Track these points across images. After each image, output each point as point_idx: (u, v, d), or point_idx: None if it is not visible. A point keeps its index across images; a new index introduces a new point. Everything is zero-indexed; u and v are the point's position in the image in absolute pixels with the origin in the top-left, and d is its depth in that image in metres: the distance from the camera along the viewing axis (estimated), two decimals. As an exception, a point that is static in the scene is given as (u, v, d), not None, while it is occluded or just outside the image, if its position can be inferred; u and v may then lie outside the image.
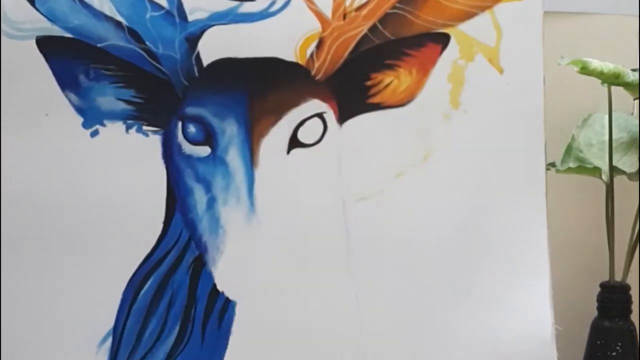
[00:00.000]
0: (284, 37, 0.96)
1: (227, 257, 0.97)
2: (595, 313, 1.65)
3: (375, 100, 0.99)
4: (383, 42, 0.99)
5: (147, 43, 0.94)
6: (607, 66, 1.57)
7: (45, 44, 0.92)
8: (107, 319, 0.95)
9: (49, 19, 0.92)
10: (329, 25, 0.97)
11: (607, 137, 1.64)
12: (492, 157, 1.02)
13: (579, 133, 1.68)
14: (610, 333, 1.62)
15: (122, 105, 0.95)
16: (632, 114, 1.67)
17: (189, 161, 0.96)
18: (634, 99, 1.62)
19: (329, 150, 0.98)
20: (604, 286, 1.65)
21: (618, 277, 1.64)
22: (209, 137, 0.96)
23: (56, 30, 0.93)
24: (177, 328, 0.97)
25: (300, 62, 0.97)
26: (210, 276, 0.97)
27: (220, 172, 0.96)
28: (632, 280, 1.63)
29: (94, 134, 0.94)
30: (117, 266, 0.95)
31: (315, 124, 0.97)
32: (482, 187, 1.02)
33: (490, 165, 1.02)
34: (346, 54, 0.98)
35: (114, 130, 0.95)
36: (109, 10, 0.93)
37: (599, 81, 1.60)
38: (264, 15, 0.96)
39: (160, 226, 0.96)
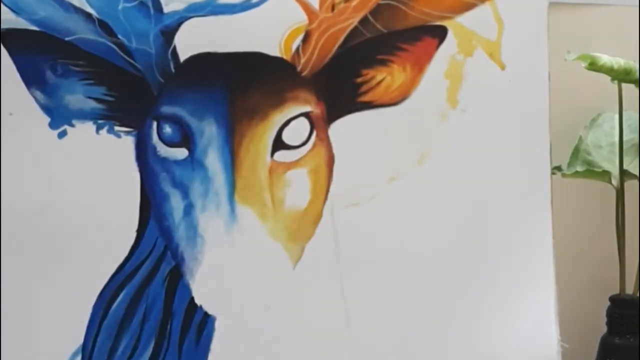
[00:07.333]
0: (268, 30, 0.96)
1: (206, 268, 0.97)
2: (604, 329, 1.66)
3: (366, 98, 0.99)
4: (375, 35, 0.99)
5: (119, 36, 0.94)
6: (618, 62, 1.58)
7: (9, 38, 0.92)
8: (76, 336, 0.95)
9: (13, 11, 0.92)
10: (317, 17, 0.97)
11: (617, 139, 1.65)
12: (493, 160, 1.03)
13: (586, 134, 1.69)
14: (621, 350, 1.63)
15: (92, 104, 0.95)
16: (644, 113, 1.68)
17: (165, 164, 0.96)
18: (646, 97, 1.63)
19: (315, 153, 0.98)
20: (614, 300, 1.66)
21: (629, 290, 1.65)
22: (186, 138, 0.96)
23: (21, 23, 0.92)
24: (152, 345, 0.97)
25: (285, 57, 0.97)
26: (187, 289, 0.97)
27: (198, 176, 0.96)
28: (644, 294, 1.64)
29: (62, 134, 0.94)
30: (86, 278, 0.95)
31: (301, 125, 0.98)
32: (482, 193, 1.02)
33: (490, 168, 1.02)
34: (335, 49, 0.98)
35: (83, 130, 0.95)
36: (78, 1, 0.93)
37: (609, 78, 1.61)
38: (245, 6, 0.96)
39: (134, 235, 0.96)
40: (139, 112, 0.96)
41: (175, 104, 0.96)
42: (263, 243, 0.97)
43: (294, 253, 0.98)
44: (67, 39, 0.93)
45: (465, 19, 1.01)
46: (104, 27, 0.94)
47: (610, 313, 1.65)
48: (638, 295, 1.64)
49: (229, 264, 0.96)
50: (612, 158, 1.65)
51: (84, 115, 0.95)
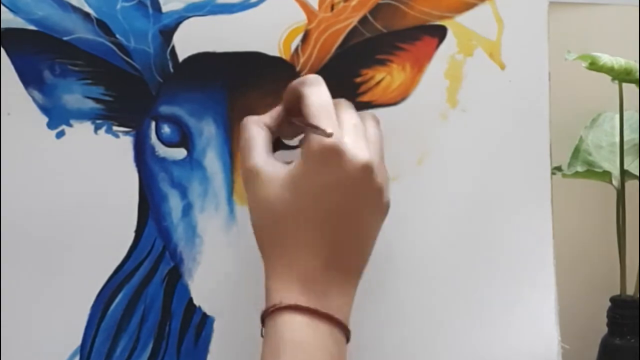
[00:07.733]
0: (267, 30, 0.96)
1: (205, 268, 0.97)
2: (605, 330, 1.66)
3: (365, 98, 0.99)
4: (374, 35, 0.99)
5: (117, 36, 0.94)
6: (618, 61, 1.58)
7: (7, 37, 0.92)
8: (74, 337, 0.95)
9: (10, 10, 0.92)
10: (316, 16, 0.97)
11: (617, 139, 1.65)
12: (493, 160, 1.02)
13: (587, 134, 1.69)
14: (622, 351, 1.63)
15: (91, 104, 0.95)
16: (645, 113, 1.68)
17: (163, 164, 0.96)
18: (647, 97, 1.63)
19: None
20: (614, 300, 1.66)
21: (630, 291, 1.65)
22: (185, 138, 0.96)
23: (19, 22, 0.92)
24: (150, 346, 0.97)
25: (284, 56, 0.97)
26: (186, 289, 0.97)
27: (197, 176, 0.96)
28: (645, 294, 1.64)
29: (60, 134, 0.94)
30: (85, 279, 0.95)
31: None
32: (482, 193, 1.02)
33: (490, 169, 1.02)
34: (334, 48, 0.98)
35: (81, 130, 0.95)
36: (77, 0, 0.93)
37: (609, 78, 1.61)
38: (244, 5, 0.96)
39: (132, 235, 0.96)
40: (138, 112, 0.96)
41: (173, 103, 0.96)
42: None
43: (293, 253, 0.98)
44: (65, 38, 0.93)
45: (465, 19, 1.01)
46: (102, 26, 0.94)
47: (611, 314, 1.64)
48: (639, 296, 1.64)
49: (228, 265, 0.96)
50: (612, 158, 1.65)
51: (82, 115, 0.95)
